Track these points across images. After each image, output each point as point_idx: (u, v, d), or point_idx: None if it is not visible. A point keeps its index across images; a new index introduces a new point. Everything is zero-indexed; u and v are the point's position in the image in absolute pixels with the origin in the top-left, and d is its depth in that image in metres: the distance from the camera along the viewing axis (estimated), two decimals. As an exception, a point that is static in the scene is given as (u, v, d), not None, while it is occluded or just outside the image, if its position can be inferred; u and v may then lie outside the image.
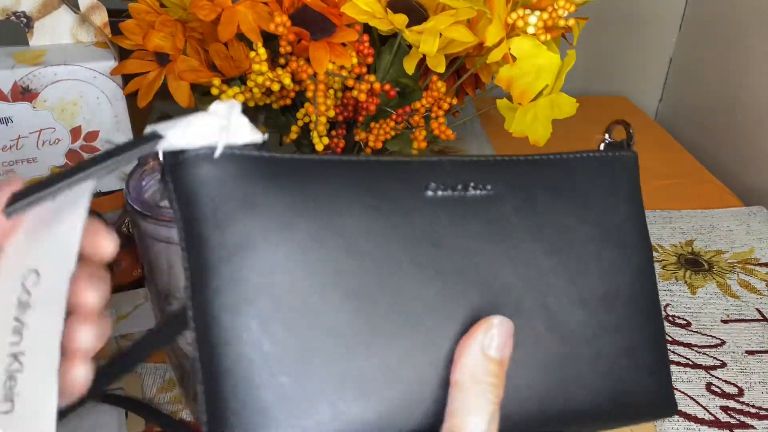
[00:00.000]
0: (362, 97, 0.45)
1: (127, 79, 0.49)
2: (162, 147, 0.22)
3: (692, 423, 0.44)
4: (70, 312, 0.23)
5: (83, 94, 0.50)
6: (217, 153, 0.22)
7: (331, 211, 0.24)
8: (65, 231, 0.22)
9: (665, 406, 0.29)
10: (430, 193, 0.26)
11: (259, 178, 0.23)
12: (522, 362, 0.25)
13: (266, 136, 0.23)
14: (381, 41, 0.49)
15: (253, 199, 0.22)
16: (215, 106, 0.22)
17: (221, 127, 0.22)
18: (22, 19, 0.50)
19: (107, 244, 0.23)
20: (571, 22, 0.43)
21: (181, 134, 0.22)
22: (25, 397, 0.22)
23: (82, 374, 0.23)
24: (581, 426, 0.27)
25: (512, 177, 0.28)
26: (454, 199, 0.26)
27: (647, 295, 0.29)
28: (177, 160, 0.22)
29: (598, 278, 0.28)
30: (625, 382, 0.28)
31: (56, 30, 0.52)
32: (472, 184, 0.27)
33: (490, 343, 0.24)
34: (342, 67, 0.44)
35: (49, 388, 0.22)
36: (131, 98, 0.50)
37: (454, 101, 0.47)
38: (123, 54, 0.49)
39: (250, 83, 0.44)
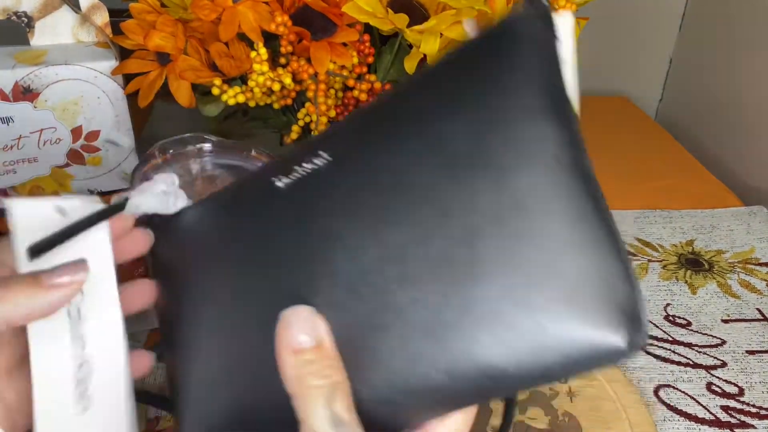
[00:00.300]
0: (363, 96, 0.45)
1: (128, 78, 0.49)
2: (127, 210, 0.27)
3: (693, 423, 0.44)
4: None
5: (84, 93, 0.50)
6: (174, 210, 0.28)
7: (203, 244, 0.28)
8: (92, 250, 0.26)
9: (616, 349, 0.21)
10: (279, 184, 0.26)
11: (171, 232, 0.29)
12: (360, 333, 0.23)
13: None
14: (382, 41, 0.49)
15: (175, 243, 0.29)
16: (163, 178, 0.28)
17: (170, 194, 0.28)
18: (23, 18, 0.50)
19: (142, 241, 0.29)
20: (572, 21, 0.43)
21: (142, 200, 0.28)
22: (100, 394, 0.26)
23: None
24: (498, 383, 0.22)
25: (352, 137, 0.25)
26: (301, 181, 0.25)
27: (557, 224, 0.21)
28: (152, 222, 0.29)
29: (463, 219, 0.22)
30: (534, 328, 0.21)
31: (57, 30, 0.52)
32: (308, 159, 0.25)
33: (293, 338, 0.23)
34: (343, 67, 0.44)
35: (117, 377, 0.26)
36: (132, 98, 0.50)
37: (455, 101, 0.47)
38: (124, 54, 0.49)
39: (251, 83, 0.44)
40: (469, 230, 0.22)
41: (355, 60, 0.44)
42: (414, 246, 0.23)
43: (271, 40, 0.44)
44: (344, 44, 0.44)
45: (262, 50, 0.42)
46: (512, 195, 0.22)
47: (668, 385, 0.47)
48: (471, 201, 0.22)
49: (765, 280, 0.57)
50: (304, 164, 0.25)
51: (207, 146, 0.46)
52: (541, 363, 0.21)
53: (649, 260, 0.60)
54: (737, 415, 0.44)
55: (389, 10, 0.42)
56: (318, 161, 0.25)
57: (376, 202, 0.24)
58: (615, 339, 0.20)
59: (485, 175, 0.22)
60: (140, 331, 0.49)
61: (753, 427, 0.43)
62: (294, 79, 0.44)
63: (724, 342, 0.50)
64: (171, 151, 0.46)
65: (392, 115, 0.25)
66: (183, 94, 0.46)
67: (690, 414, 0.44)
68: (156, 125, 0.83)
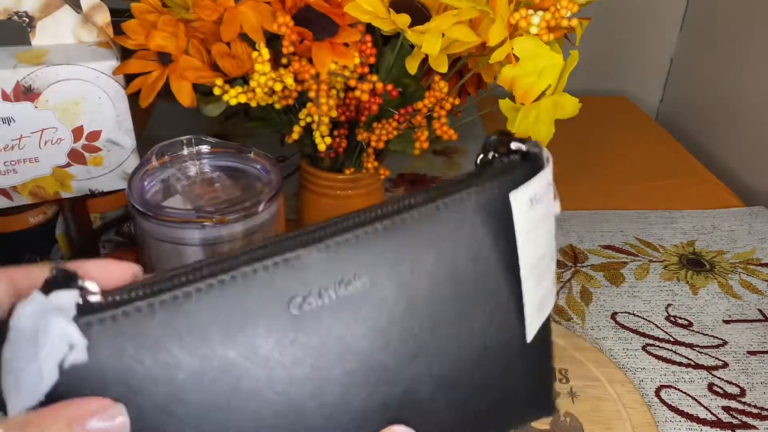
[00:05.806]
0: (365, 97, 0.45)
1: (129, 78, 0.49)
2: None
3: (694, 423, 0.44)
4: None
5: (85, 93, 0.50)
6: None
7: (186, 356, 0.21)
8: None
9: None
10: (295, 311, 0.22)
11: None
12: None
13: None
14: (383, 41, 0.49)
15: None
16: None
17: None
18: (24, 19, 0.50)
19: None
20: (574, 22, 0.43)
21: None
22: None
23: None
24: None
25: (382, 255, 0.24)
26: (330, 307, 0.23)
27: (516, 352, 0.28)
28: None
29: (475, 337, 0.27)
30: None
31: (58, 30, 0.52)
32: (341, 283, 0.23)
33: None
34: (344, 67, 0.44)
35: None
36: (133, 98, 0.50)
37: (457, 101, 0.47)
38: (125, 54, 0.49)
39: (252, 83, 0.44)
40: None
41: (357, 60, 0.44)
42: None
43: (272, 40, 0.44)
44: (346, 44, 0.43)
45: (264, 50, 0.42)
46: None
47: (669, 386, 0.47)
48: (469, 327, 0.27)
49: (766, 280, 0.57)
50: (338, 287, 0.23)
51: (205, 148, 0.46)
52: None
53: (651, 260, 0.60)
54: (739, 416, 0.44)
55: (391, 10, 0.42)
56: (350, 285, 0.23)
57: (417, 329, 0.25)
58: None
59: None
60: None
61: (754, 427, 0.43)
62: (296, 80, 0.44)
63: (725, 342, 0.50)
64: (168, 153, 0.46)
65: (412, 242, 0.25)
66: (184, 95, 0.46)
67: (691, 415, 0.44)
68: (157, 125, 0.84)
